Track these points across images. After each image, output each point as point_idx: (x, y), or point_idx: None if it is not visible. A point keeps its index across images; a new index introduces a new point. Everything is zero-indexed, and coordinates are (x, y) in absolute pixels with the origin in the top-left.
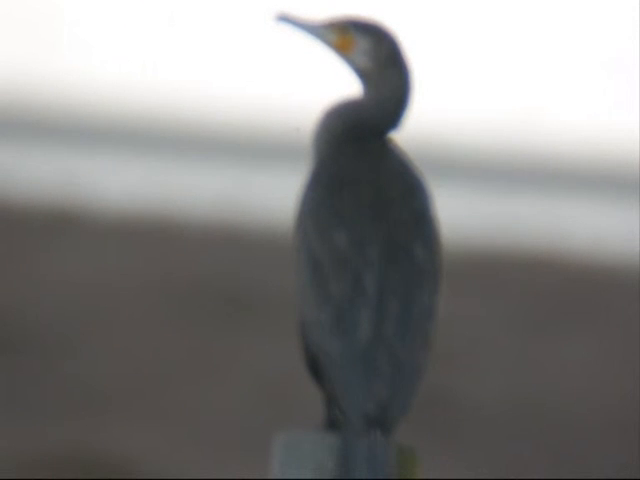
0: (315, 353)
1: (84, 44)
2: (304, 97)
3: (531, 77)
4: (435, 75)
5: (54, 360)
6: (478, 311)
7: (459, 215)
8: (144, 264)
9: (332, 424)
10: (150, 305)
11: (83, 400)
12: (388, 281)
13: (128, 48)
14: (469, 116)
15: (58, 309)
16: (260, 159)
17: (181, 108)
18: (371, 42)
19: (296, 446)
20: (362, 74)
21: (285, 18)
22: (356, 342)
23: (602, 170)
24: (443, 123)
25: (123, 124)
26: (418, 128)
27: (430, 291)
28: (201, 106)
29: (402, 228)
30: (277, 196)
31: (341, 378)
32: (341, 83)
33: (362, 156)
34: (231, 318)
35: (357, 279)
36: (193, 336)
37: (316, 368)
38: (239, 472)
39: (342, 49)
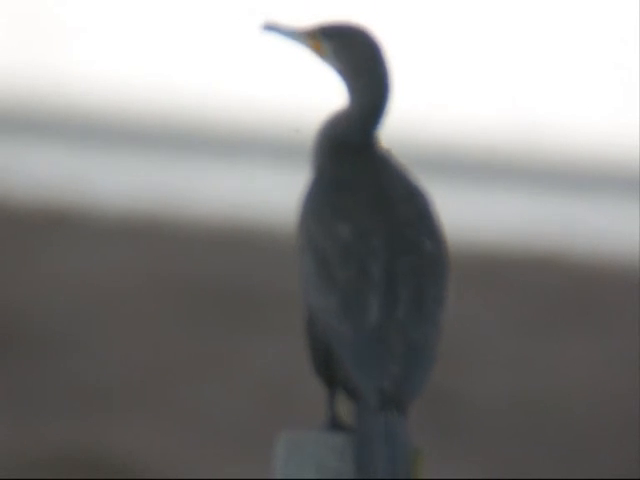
0: (325, 341)
1: (85, 42)
2: (306, 97)
3: (536, 77)
4: (442, 75)
5: (55, 359)
6: (480, 311)
7: (461, 215)
8: (145, 263)
9: (335, 424)
10: (151, 304)
11: (84, 400)
12: (398, 269)
13: (130, 47)
14: (472, 116)
15: (59, 308)
16: (262, 158)
17: (183, 107)
18: (338, 46)
19: (299, 446)
20: (339, 75)
21: (271, 27)
22: (366, 324)
23: (605, 170)
24: (447, 122)
25: (124, 123)
26: (423, 127)
27: (440, 280)
28: (203, 105)
29: (407, 223)
30: (279, 196)
31: (354, 358)
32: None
33: (359, 165)
34: (233, 317)
35: (362, 267)
36: (195, 335)
37: (325, 361)
38: (242, 471)
39: (318, 53)
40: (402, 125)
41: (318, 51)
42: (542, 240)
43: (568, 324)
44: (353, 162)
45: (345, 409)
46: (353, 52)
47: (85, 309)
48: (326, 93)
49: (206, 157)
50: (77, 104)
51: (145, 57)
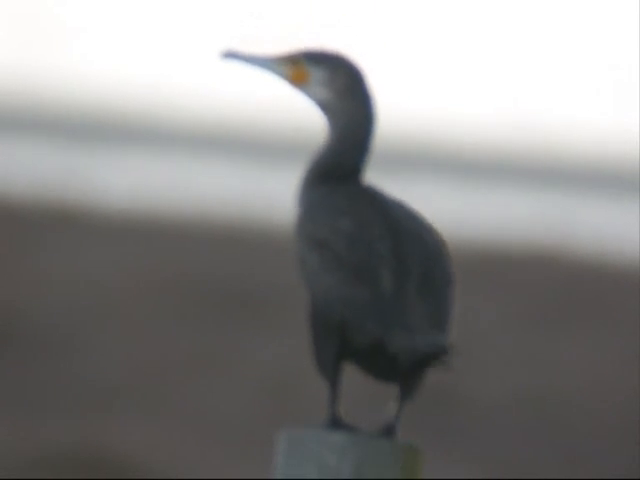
0: (339, 318)
1: (86, 37)
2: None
3: (537, 76)
4: (443, 75)
5: (55, 359)
6: (481, 308)
7: (462, 213)
8: (145, 263)
9: (336, 422)
10: (152, 303)
11: (85, 400)
12: (404, 251)
13: (132, 44)
14: (475, 114)
15: (60, 307)
16: (262, 157)
17: (183, 106)
18: (326, 72)
19: (299, 444)
20: (322, 106)
21: (231, 55)
22: (381, 291)
23: (607, 168)
24: (451, 121)
25: (126, 120)
26: (426, 125)
27: (445, 264)
28: (205, 104)
29: (406, 220)
30: (281, 195)
31: (374, 314)
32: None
33: (348, 184)
34: (233, 317)
35: (369, 248)
36: (197, 334)
37: (337, 347)
38: (243, 470)
39: (297, 81)
40: (403, 125)
41: (298, 79)
42: (543, 238)
43: (570, 322)
44: (343, 183)
45: (346, 407)
46: (343, 80)
47: (85, 308)
48: None
49: (206, 156)
50: (77, 103)
51: (145, 57)
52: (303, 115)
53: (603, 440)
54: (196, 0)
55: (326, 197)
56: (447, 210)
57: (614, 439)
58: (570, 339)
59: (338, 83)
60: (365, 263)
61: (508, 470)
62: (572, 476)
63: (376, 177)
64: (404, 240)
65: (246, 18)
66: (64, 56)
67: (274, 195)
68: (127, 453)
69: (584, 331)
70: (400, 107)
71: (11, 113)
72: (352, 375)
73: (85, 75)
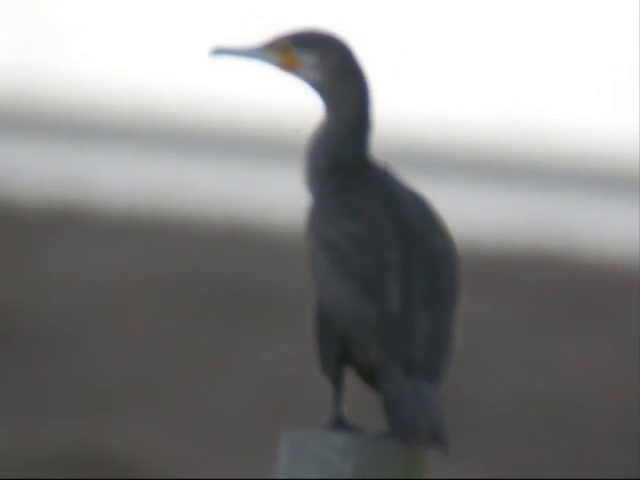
0: (342, 332)
1: (86, 37)
2: (306, 97)
3: (536, 75)
4: (443, 75)
5: (55, 359)
6: (487, 310)
7: (468, 214)
8: (145, 263)
9: (340, 423)
10: (152, 304)
11: (85, 399)
12: (412, 258)
13: (132, 44)
14: (480, 115)
15: (60, 307)
16: (263, 158)
17: (186, 105)
18: (316, 55)
19: (302, 445)
20: (317, 88)
21: (220, 51)
22: (389, 305)
23: (607, 168)
24: (455, 121)
25: (127, 120)
26: (427, 125)
27: (453, 270)
28: (206, 103)
29: (417, 221)
30: (281, 195)
31: (380, 336)
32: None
33: (361, 175)
34: (234, 317)
35: (378, 254)
36: (198, 335)
37: (340, 354)
38: (245, 471)
39: (288, 67)
40: (404, 125)
41: (290, 65)
42: (544, 239)
43: (572, 323)
44: (354, 173)
45: (349, 408)
46: (334, 60)
47: (85, 308)
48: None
49: (207, 156)
50: (77, 103)
51: (144, 57)
52: (303, 115)
53: (604, 440)
54: (196, 0)
55: (337, 195)
56: (447, 211)
57: (614, 439)
58: (572, 340)
59: (328, 64)
60: (374, 272)
61: (512, 470)
62: (573, 476)
63: None
64: (413, 244)
65: (246, 18)
66: (64, 56)
67: (274, 195)
68: (127, 453)
69: (586, 332)
70: (400, 107)
71: (11, 113)
72: (354, 375)
73: (85, 75)
